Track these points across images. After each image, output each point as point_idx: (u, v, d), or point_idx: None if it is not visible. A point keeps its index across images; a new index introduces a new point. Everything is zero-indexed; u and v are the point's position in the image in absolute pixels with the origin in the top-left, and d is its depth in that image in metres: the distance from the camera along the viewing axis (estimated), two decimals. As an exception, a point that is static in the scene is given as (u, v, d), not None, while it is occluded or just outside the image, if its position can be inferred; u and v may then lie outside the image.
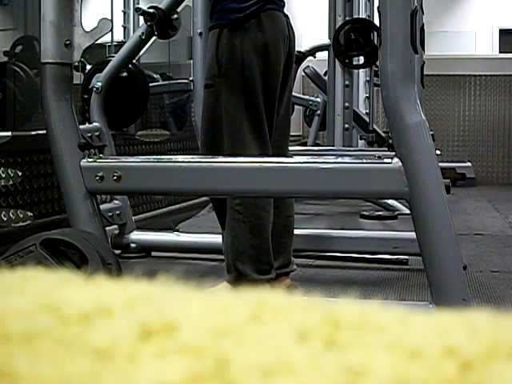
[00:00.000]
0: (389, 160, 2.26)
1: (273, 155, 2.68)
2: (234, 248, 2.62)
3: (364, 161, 2.37)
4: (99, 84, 3.58)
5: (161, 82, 5.49)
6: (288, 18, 2.73)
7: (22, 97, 4.69)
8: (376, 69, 5.81)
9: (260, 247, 2.62)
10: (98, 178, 2.52)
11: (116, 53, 3.85)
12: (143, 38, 3.38)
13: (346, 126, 5.62)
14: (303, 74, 6.66)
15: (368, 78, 6.67)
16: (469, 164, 7.73)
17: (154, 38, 3.47)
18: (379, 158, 2.41)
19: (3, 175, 2.98)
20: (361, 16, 6.21)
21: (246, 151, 2.58)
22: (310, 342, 0.31)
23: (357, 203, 5.64)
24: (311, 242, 3.52)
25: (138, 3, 5.90)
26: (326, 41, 5.71)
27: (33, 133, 3.57)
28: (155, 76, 5.41)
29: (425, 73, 4.18)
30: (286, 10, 2.75)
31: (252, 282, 2.57)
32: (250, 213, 2.60)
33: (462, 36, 10.65)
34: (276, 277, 2.71)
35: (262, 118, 2.61)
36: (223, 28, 2.61)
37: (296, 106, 6.70)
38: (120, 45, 5.00)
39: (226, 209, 2.65)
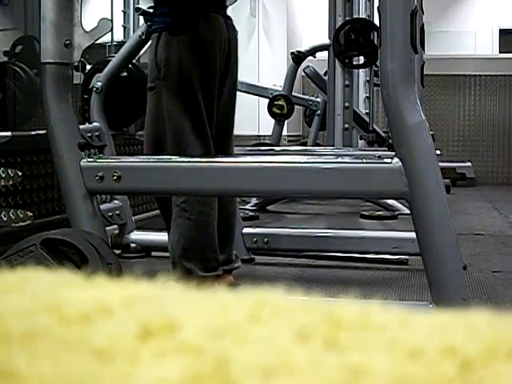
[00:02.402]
0: (389, 160, 2.26)
1: (216, 154, 2.74)
2: (179, 246, 2.66)
3: (364, 161, 2.37)
4: (99, 84, 3.58)
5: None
6: (229, 20, 2.80)
7: (22, 97, 4.69)
8: (376, 69, 5.81)
9: (206, 244, 2.66)
10: (98, 177, 2.52)
11: (116, 53, 3.85)
12: (143, 37, 3.38)
13: (346, 125, 5.62)
14: (303, 73, 6.66)
15: (368, 78, 6.67)
16: (469, 164, 7.73)
17: (153, 37, 3.47)
18: (379, 157, 2.41)
19: (3, 175, 2.98)
20: (361, 16, 6.21)
21: (188, 150, 2.64)
22: (310, 342, 0.31)
23: (357, 203, 5.64)
24: (311, 242, 3.52)
25: (138, 3, 5.89)
26: (326, 41, 5.71)
27: (33, 133, 3.57)
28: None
29: (425, 73, 4.17)
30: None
31: (199, 280, 2.58)
32: (196, 210, 2.63)
33: (462, 36, 10.64)
34: None
35: (203, 117, 2.67)
36: (161, 32, 2.68)
37: (296, 106, 6.70)
38: (120, 45, 4.99)
39: (170, 207, 2.68)
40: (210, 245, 2.66)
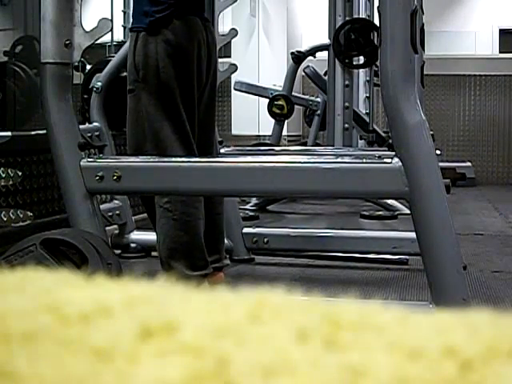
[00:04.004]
0: (389, 160, 2.26)
1: (200, 154, 2.75)
2: (165, 246, 2.67)
3: (364, 161, 2.37)
4: (99, 84, 3.58)
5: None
6: (207, 22, 2.82)
7: (22, 97, 4.69)
8: (376, 69, 5.81)
9: (192, 243, 2.67)
10: (98, 177, 2.52)
11: (116, 53, 3.85)
12: (143, 37, 3.37)
13: (346, 125, 5.62)
14: (303, 73, 6.66)
15: (368, 78, 6.67)
16: (469, 164, 7.73)
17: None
18: (379, 157, 2.41)
19: (3, 175, 2.98)
20: (361, 16, 6.20)
21: (169, 151, 2.65)
22: (310, 342, 0.31)
23: (357, 203, 5.64)
24: (311, 242, 3.52)
25: (138, 3, 5.88)
26: (326, 41, 5.71)
27: (33, 133, 3.57)
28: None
29: (425, 73, 4.17)
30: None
31: (187, 279, 2.59)
32: (179, 210, 2.65)
33: (462, 36, 10.64)
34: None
35: (183, 118, 2.69)
36: (139, 32, 2.69)
37: (296, 106, 6.70)
38: (120, 45, 5.00)
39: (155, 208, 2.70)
40: (195, 244, 2.68)
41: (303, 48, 6.61)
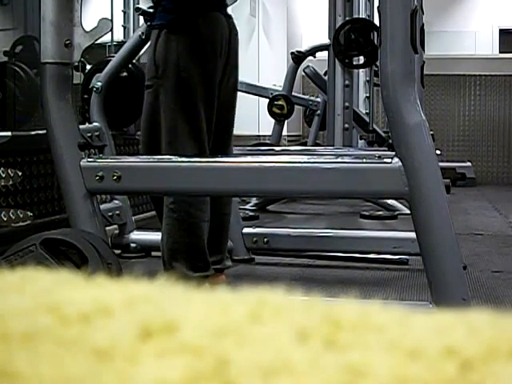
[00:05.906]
0: (389, 160, 2.26)
1: (214, 153, 2.75)
2: (168, 246, 2.67)
3: (364, 161, 2.37)
4: (99, 84, 3.58)
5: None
6: (230, 18, 2.78)
7: (22, 97, 4.69)
8: (376, 69, 5.81)
9: (194, 245, 2.66)
10: (98, 177, 2.52)
11: (116, 53, 3.85)
12: (143, 37, 3.38)
13: (346, 125, 5.62)
14: (303, 73, 6.66)
15: (368, 78, 6.67)
16: (469, 164, 7.73)
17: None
18: (379, 157, 2.41)
19: (3, 175, 2.98)
20: (361, 16, 6.21)
21: (182, 150, 2.64)
22: (310, 342, 0.31)
23: (357, 203, 5.65)
24: (311, 242, 3.52)
25: (138, 3, 5.89)
26: (326, 41, 5.71)
27: (33, 133, 3.57)
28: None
29: (425, 73, 4.17)
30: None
31: (187, 280, 2.59)
32: (184, 211, 2.64)
33: (462, 36, 10.64)
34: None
35: (200, 117, 2.66)
36: (162, 29, 2.67)
37: (296, 106, 6.70)
38: (120, 45, 4.99)
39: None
40: (197, 246, 2.67)
41: (303, 48, 6.62)
